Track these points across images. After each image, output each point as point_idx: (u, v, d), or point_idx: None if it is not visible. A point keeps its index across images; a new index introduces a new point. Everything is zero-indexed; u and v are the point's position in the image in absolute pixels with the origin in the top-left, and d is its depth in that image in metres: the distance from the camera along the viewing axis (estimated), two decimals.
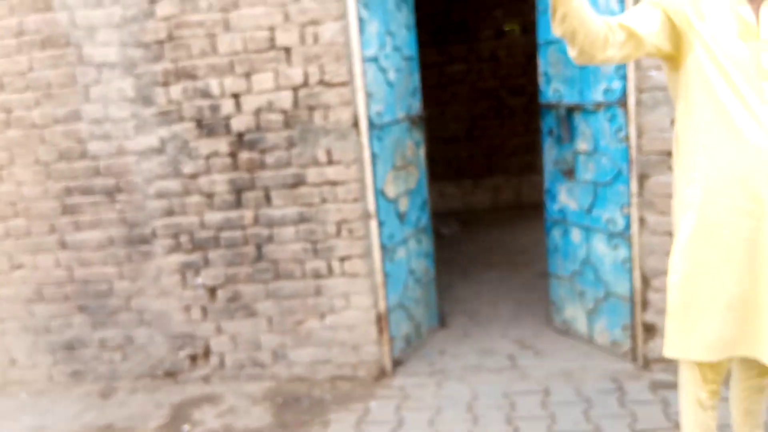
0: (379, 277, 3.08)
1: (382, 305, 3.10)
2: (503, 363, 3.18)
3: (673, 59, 1.94)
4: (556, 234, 3.37)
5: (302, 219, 3.07)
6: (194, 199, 3.13)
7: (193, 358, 3.28)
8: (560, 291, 3.39)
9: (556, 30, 1.79)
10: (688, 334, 1.90)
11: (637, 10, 1.90)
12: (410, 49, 3.30)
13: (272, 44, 2.94)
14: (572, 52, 1.83)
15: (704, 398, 1.99)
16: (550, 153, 3.31)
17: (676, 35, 1.88)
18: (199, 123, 3.06)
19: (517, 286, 4.19)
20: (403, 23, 3.22)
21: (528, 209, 5.85)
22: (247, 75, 2.99)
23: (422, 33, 3.92)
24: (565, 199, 3.25)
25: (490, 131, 6.03)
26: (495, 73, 5.89)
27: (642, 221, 2.87)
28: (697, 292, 1.89)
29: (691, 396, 2.02)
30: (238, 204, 3.11)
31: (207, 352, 3.27)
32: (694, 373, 1.99)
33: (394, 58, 3.16)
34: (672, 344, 1.93)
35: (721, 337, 1.86)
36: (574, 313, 3.31)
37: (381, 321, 3.11)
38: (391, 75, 3.15)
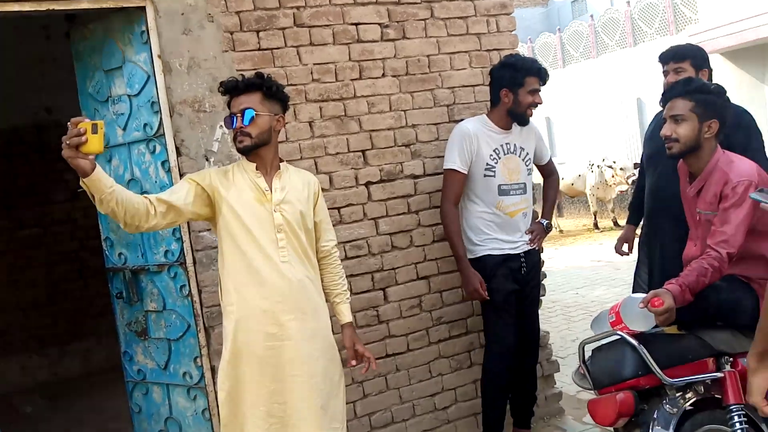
0: None
1: None
2: None
3: (213, 220, 2.39)
4: (138, 395, 3.34)
5: None
6: None
7: None
8: None
9: (100, 209, 2.09)
10: None
11: (177, 186, 2.35)
12: None
13: None
14: (120, 224, 2.15)
15: None
16: (122, 315, 3.33)
17: (211, 203, 2.33)
18: None
19: None
20: None
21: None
22: None
23: None
24: (143, 359, 3.27)
25: (73, 294, 5.74)
26: (73, 235, 5.72)
27: (213, 370, 3.05)
28: (241, 405, 2.27)
29: None
30: None
31: None
32: None
33: None
34: None
35: None
36: None
37: None
38: None
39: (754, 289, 2.51)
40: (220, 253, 2.38)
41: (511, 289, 3.21)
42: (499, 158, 3.20)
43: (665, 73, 3.30)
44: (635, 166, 10.30)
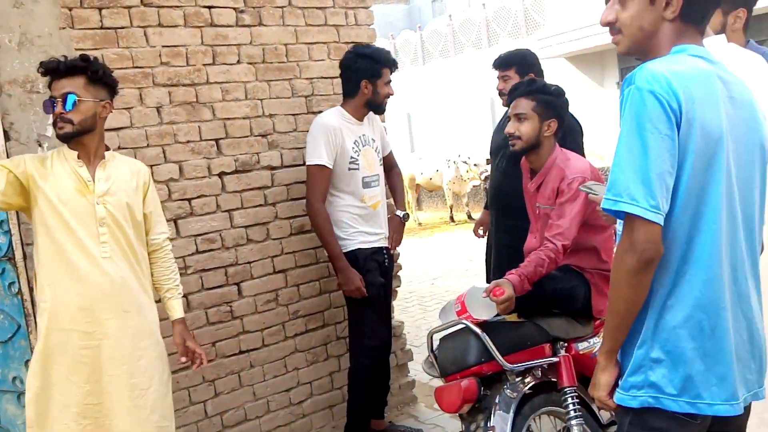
0: None
1: None
2: None
3: (27, 211, 2.25)
4: None
5: None
6: None
7: None
8: None
9: None
10: None
11: None
12: None
13: None
14: None
15: None
16: None
17: (25, 192, 2.18)
18: None
19: None
20: None
21: None
22: None
23: None
24: None
25: None
26: None
27: None
28: (50, 407, 2.17)
29: None
30: None
31: None
32: None
33: None
34: None
35: None
36: None
37: None
38: None
39: (587, 279, 2.70)
40: (35, 247, 2.25)
41: (381, 282, 3.23)
42: (360, 150, 3.21)
43: (497, 79, 3.49)
44: (487, 162, 10.81)
